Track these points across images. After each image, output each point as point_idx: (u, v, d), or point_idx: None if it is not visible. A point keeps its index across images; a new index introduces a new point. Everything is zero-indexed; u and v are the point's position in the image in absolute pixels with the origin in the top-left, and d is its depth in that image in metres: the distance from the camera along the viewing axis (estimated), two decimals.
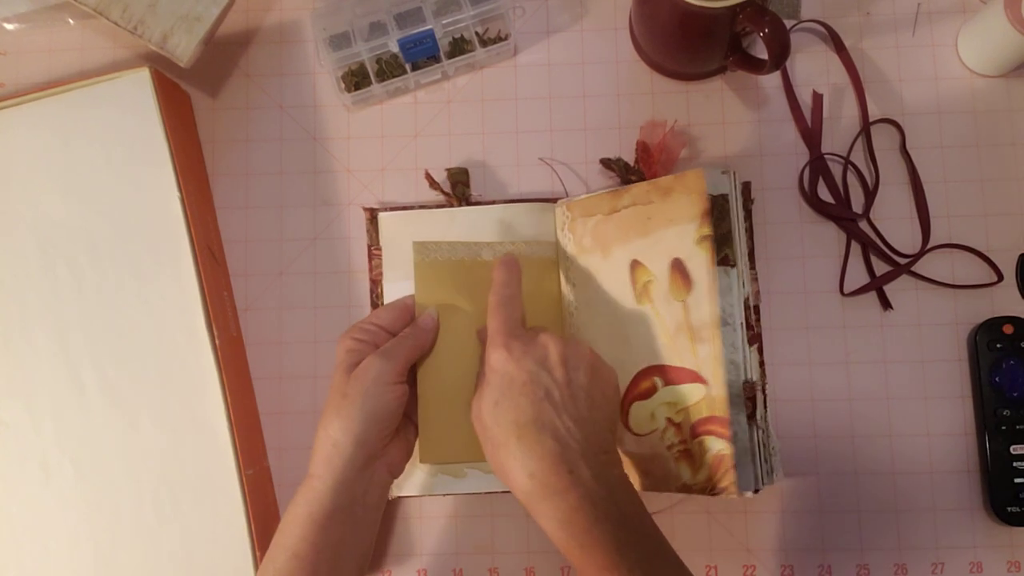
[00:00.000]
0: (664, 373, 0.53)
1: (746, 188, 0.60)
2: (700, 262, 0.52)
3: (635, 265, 0.55)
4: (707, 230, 0.51)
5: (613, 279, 0.56)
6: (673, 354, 0.52)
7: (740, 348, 0.54)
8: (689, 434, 0.51)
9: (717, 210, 0.56)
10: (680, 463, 0.51)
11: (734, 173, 0.57)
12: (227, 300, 0.60)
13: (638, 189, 0.55)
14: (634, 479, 0.53)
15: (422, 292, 0.56)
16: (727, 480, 0.49)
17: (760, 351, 0.58)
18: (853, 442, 0.58)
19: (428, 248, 0.57)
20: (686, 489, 0.51)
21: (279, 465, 0.60)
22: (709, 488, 0.50)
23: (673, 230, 0.53)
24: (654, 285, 0.54)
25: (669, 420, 0.52)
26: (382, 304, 0.59)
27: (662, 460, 0.52)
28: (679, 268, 0.52)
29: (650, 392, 0.53)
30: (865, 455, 0.58)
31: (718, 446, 0.50)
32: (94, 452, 0.55)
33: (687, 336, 0.52)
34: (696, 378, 0.51)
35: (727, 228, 0.56)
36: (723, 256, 0.55)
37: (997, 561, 0.57)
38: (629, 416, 0.54)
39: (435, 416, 0.55)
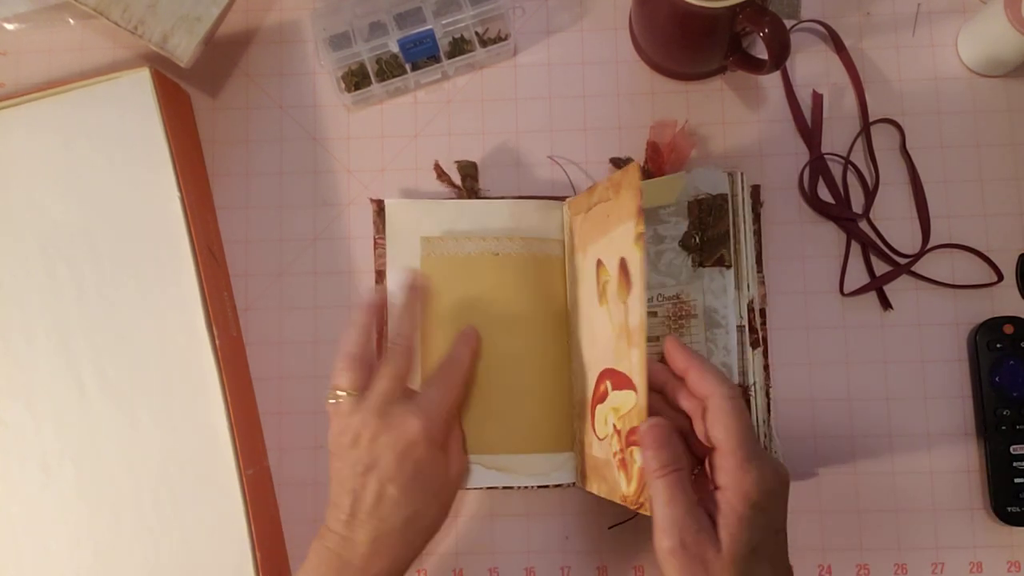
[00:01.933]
0: (612, 377, 0.49)
1: (755, 191, 0.59)
2: (636, 261, 0.46)
3: (599, 265, 0.52)
4: (641, 227, 0.45)
5: (586, 278, 0.54)
6: (620, 358, 0.48)
7: (732, 350, 0.53)
8: (624, 443, 0.47)
9: (715, 210, 0.56)
10: (620, 472, 0.48)
11: (741, 174, 0.57)
12: (227, 300, 0.60)
13: (602, 187, 0.51)
14: (597, 485, 0.51)
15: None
16: (646, 495, 0.45)
17: (765, 354, 0.58)
18: (853, 442, 0.59)
19: (434, 244, 0.57)
20: (624, 500, 0.47)
21: (279, 465, 0.60)
22: (635, 501, 0.46)
23: (621, 228, 0.48)
24: (610, 285, 0.50)
25: (614, 426, 0.48)
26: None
27: (611, 467, 0.49)
28: (624, 268, 0.48)
29: (604, 396, 0.50)
30: (865, 455, 0.58)
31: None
32: (94, 452, 0.55)
33: (625, 340, 0.47)
34: (630, 384, 0.46)
35: (724, 228, 0.55)
36: (718, 256, 0.54)
37: (997, 561, 0.57)
38: (595, 419, 0.52)
39: None
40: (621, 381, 0.48)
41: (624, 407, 0.47)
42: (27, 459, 0.55)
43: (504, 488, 0.57)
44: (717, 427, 0.43)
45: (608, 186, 0.51)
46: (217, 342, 0.55)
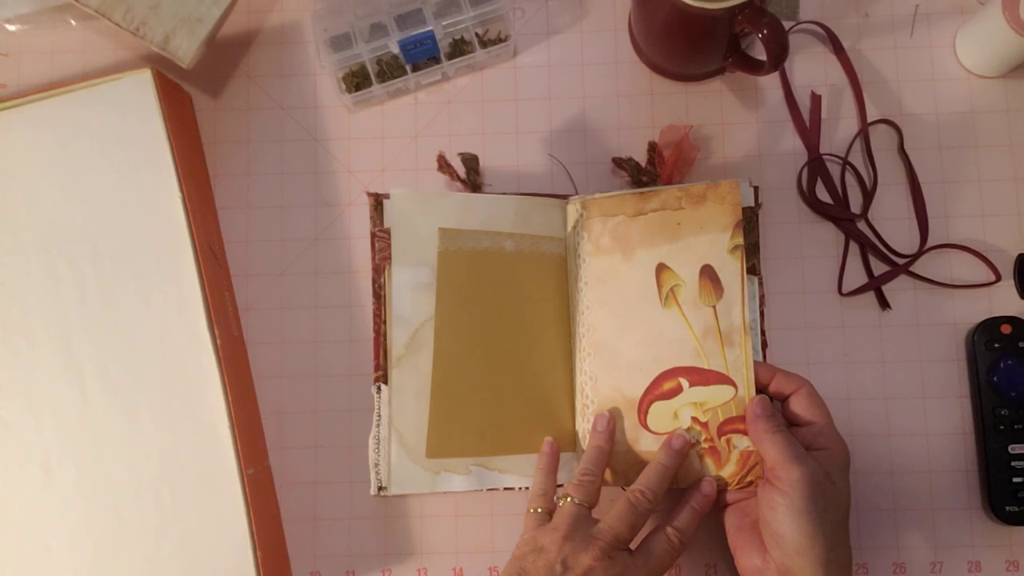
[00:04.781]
0: (691, 374, 0.54)
1: (754, 192, 0.60)
2: (732, 270, 0.54)
3: (661, 269, 0.56)
4: (740, 239, 0.54)
5: (636, 281, 0.56)
6: (701, 357, 0.54)
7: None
8: (716, 433, 0.53)
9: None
10: (705, 459, 0.54)
11: (749, 180, 0.57)
12: (228, 300, 0.60)
13: (668, 194, 0.56)
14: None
15: (443, 281, 0.57)
16: (754, 474, 0.53)
17: (764, 356, 0.58)
18: (852, 442, 0.58)
19: (452, 236, 0.58)
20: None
21: (280, 465, 0.60)
22: (736, 481, 0.53)
23: (704, 237, 0.55)
24: (682, 290, 0.55)
25: (695, 419, 0.54)
26: (385, 294, 0.58)
27: (687, 457, 0.54)
28: (710, 275, 0.55)
29: (675, 392, 0.55)
30: (864, 455, 0.59)
31: (744, 443, 0.53)
32: (95, 452, 0.55)
33: (716, 340, 0.54)
34: (725, 380, 0.54)
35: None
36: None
37: (995, 560, 0.58)
38: (648, 415, 0.55)
39: (446, 410, 0.56)
40: (708, 377, 0.54)
41: (712, 401, 0.54)
42: (28, 459, 0.55)
43: (504, 488, 0.57)
44: (813, 408, 0.51)
45: (682, 196, 0.56)
46: (218, 341, 0.55)
